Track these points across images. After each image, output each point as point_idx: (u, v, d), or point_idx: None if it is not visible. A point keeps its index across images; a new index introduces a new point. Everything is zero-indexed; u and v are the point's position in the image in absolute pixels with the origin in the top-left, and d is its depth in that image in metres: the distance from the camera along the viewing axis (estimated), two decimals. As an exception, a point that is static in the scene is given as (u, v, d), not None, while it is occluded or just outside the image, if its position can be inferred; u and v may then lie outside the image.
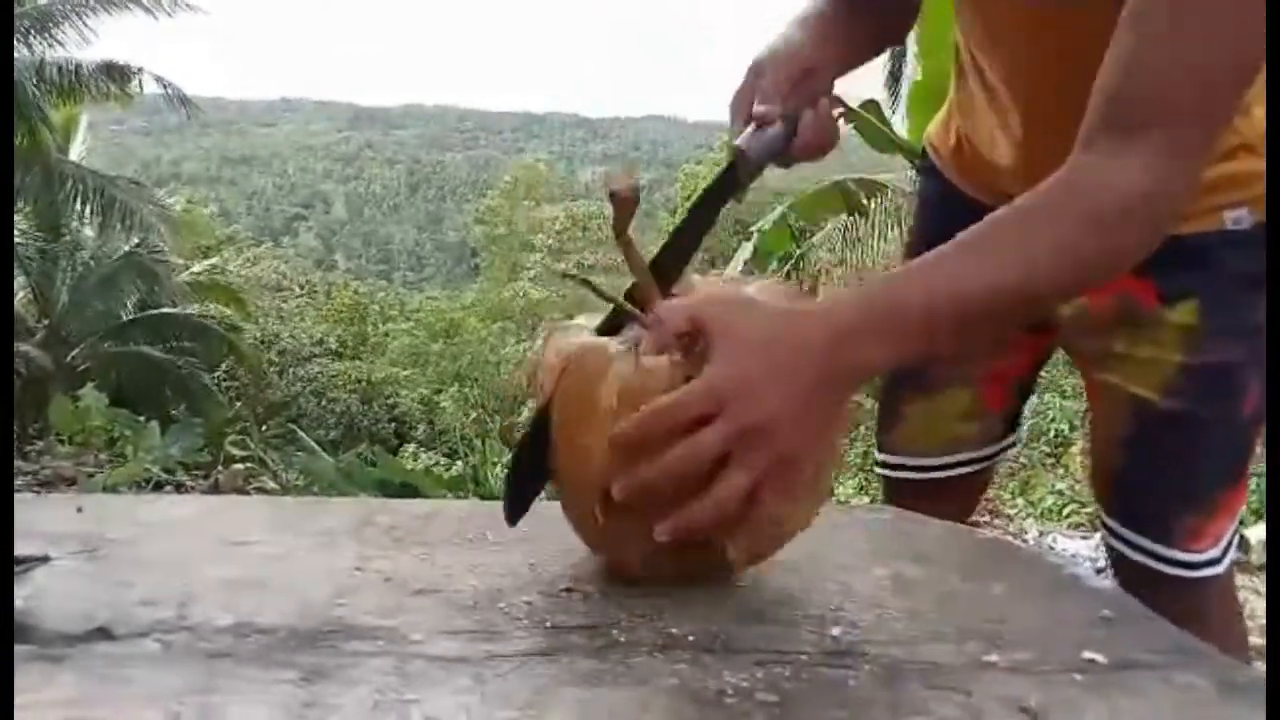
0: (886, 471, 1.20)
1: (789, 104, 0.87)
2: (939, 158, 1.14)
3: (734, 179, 0.85)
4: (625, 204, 0.68)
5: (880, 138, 7.52)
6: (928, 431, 1.15)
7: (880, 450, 1.21)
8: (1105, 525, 1.05)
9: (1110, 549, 1.05)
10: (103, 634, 0.56)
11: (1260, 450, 0.98)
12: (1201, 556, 0.99)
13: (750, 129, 0.86)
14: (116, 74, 12.07)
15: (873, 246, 9.81)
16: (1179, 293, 0.95)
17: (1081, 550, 3.92)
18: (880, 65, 11.37)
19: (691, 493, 0.62)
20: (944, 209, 1.11)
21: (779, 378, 0.63)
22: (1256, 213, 0.93)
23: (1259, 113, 0.91)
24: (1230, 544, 1.01)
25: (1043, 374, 1.23)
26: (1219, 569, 1.00)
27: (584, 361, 0.66)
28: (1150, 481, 1.00)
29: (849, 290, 0.70)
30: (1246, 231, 0.93)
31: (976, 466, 1.17)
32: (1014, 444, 1.21)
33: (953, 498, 1.15)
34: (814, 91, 0.89)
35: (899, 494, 1.18)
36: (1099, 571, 0.99)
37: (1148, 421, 0.99)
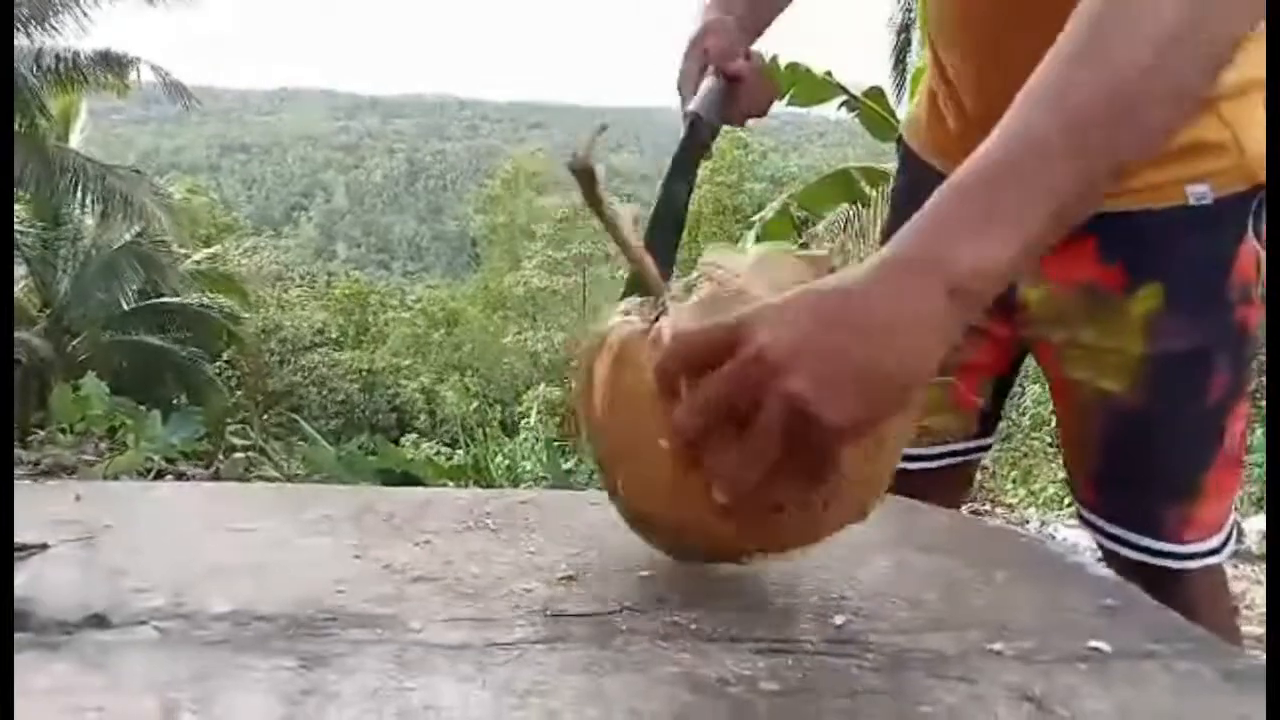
0: None
1: (729, 70, 0.96)
2: (915, 141, 1.13)
3: (696, 142, 0.93)
4: (585, 174, 0.64)
5: (884, 125, 7.50)
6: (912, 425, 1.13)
7: None
8: (1090, 524, 1.03)
9: (1101, 548, 1.03)
10: (99, 621, 0.56)
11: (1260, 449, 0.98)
12: (1196, 548, 0.97)
13: (696, 95, 0.94)
14: (114, 63, 12.06)
15: (875, 235, 9.80)
16: (1144, 275, 0.94)
17: (1083, 540, 3.92)
18: (885, 52, 11.35)
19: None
20: (919, 190, 1.09)
21: (807, 308, 0.54)
22: (1217, 189, 0.91)
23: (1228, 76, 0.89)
24: (1230, 535, 0.99)
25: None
26: (1218, 559, 0.98)
27: (625, 351, 0.62)
28: (1132, 476, 0.99)
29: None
30: (1208, 208, 0.91)
31: (952, 461, 1.14)
32: (989, 445, 1.19)
33: (930, 495, 1.13)
34: (739, 54, 0.97)
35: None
36: (1101, 560, 0.99)
37: (1120, 416, 0.97)
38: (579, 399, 0.66)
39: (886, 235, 1.16)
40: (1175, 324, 0.93)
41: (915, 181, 1.11)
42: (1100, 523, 1.01)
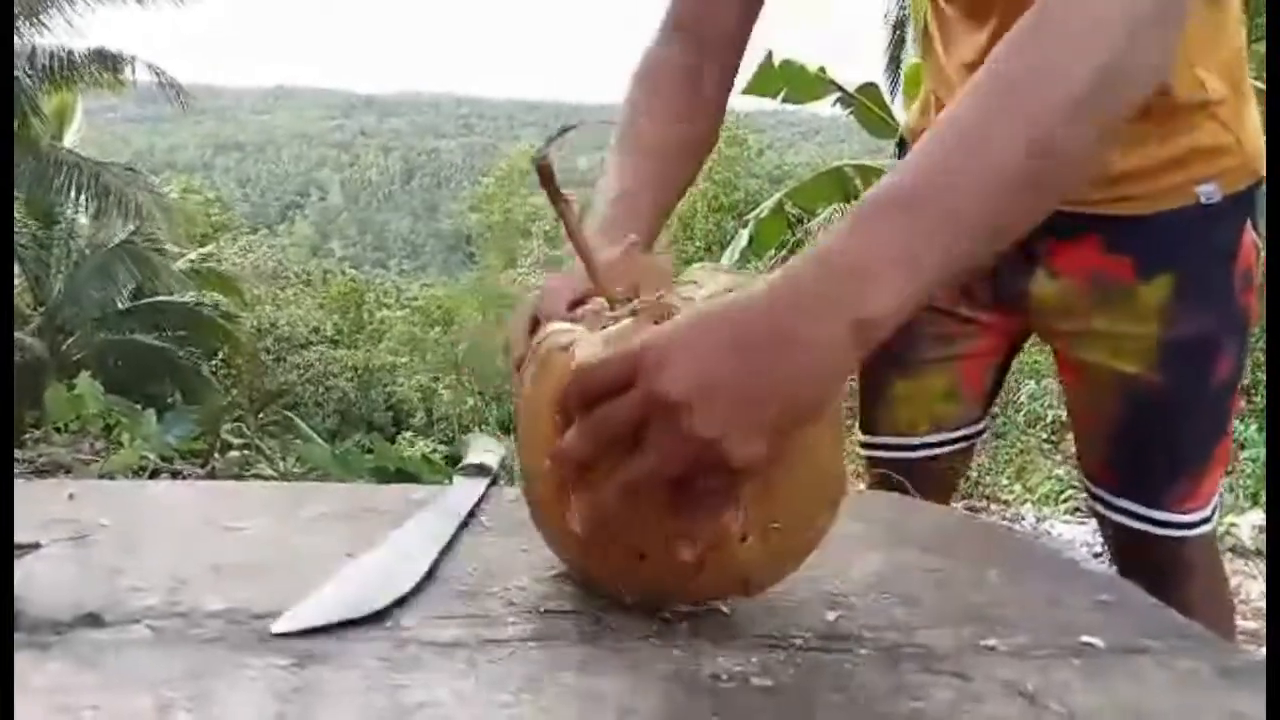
0: (868, 452, 1.22)
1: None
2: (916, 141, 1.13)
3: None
4: (544, 171, 0.64)
5: (878, 122, 7.50)
6: (912, 412, 1.17)
7: (862, 431, 1.22)
8: (1094, 495, 1.09)
9: (1101, 518, 1.09)
10: (93, 620, 0.56)
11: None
12: (1192, 517, 1.04)
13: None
14: (109, 61, 12.02)
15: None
16: (1155, 268, 0.99)
17: (1078, 535, 3.93)
18: (880, 49, 11.36)
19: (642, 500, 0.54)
20: None
21: (710, 337, 0.52)
22: (1225, 187, 0.97)
23: (1214, 84, 0.94)
24: (1218, 502, 1.07)
25: (1039, 360, 1.26)
26: (1209, 527, 1.06)
27: (548, 362, 0.61)
28: (1142, 452, 1.05)
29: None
30: (1218, 205, 0.97)
31: (954, 448, 1.19)
32: (986, 429, 1.24)
33: (932, 479, 1.16)
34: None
35: (879, 475, 1.19)
36: (1096, 556, 1.00)
37: (1135, 395, 1.02)
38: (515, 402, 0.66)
39: None
40: (1186, 311, 0.99)
41: None
42: (1109, 496, 1.07)
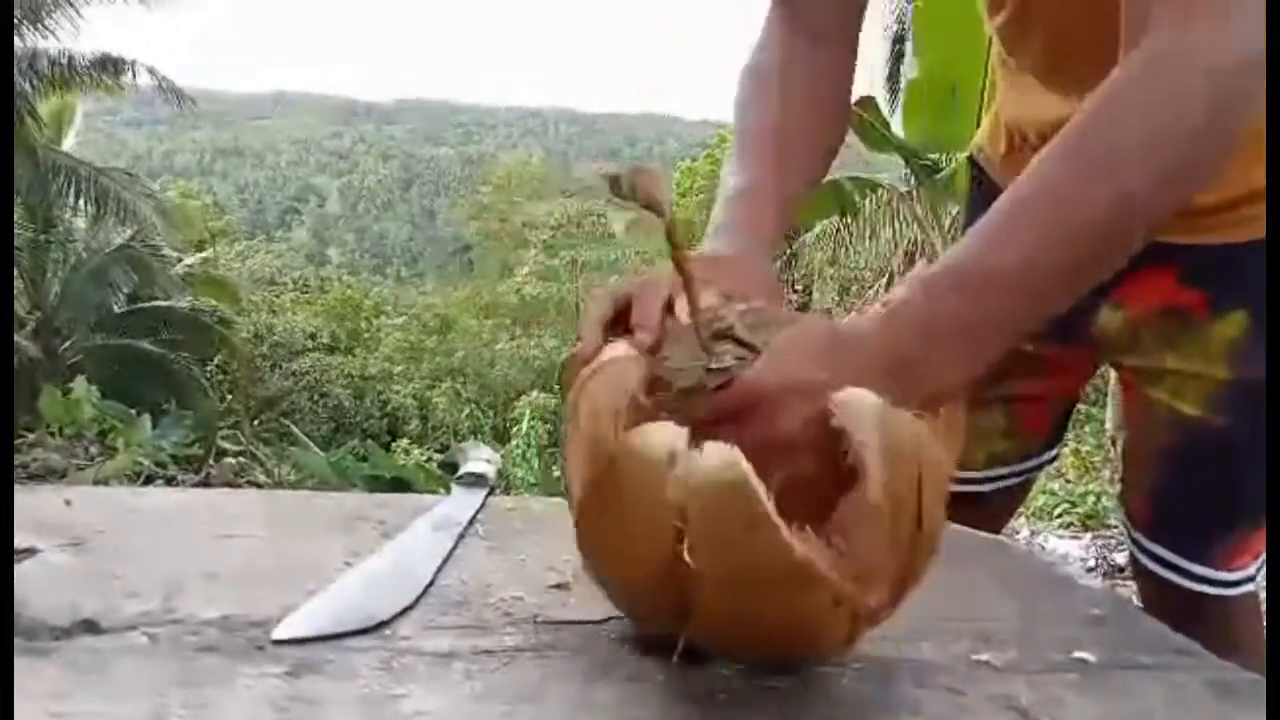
0: None
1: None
2: (990, 164, 1.11)
3: None
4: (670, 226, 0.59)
5: (876, 137, 7.53)
6: (969, 447, 1.10)
7: None
8: (1135, 541, 1.01)
9: (1138, 565, 1.02)
10: (89, 627, 0.56)
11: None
12: (1237, 575, 0.96)
13: None
14: (110, 65, 12.03)
15: (865, 246, 9.83)
16: (1229, 303, 0.92)
17: (1073, 550, 3.93)
18: (879, 63, 11.39)
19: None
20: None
21: (817, 368, 0.56)
22: None
23: None
24: (1262, 560, 0.98)
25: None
26: (1250, 587, 0.97)
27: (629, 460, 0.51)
28: (1194, 500, 0.97)
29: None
30: None
31: (1016, 480, 1.14)
32: (1054, 457, 1.18)
33: (991, 509, 1.11)
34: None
35: None
36: (1090, 571, 0.99)
37: (1195, 439, 0.95)
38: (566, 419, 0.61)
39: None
40: (1258, 352, 0.90)
41: (989, 200, 1.09)
42: (1141, 538, 1.00)
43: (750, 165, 0.84)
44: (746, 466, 0.47)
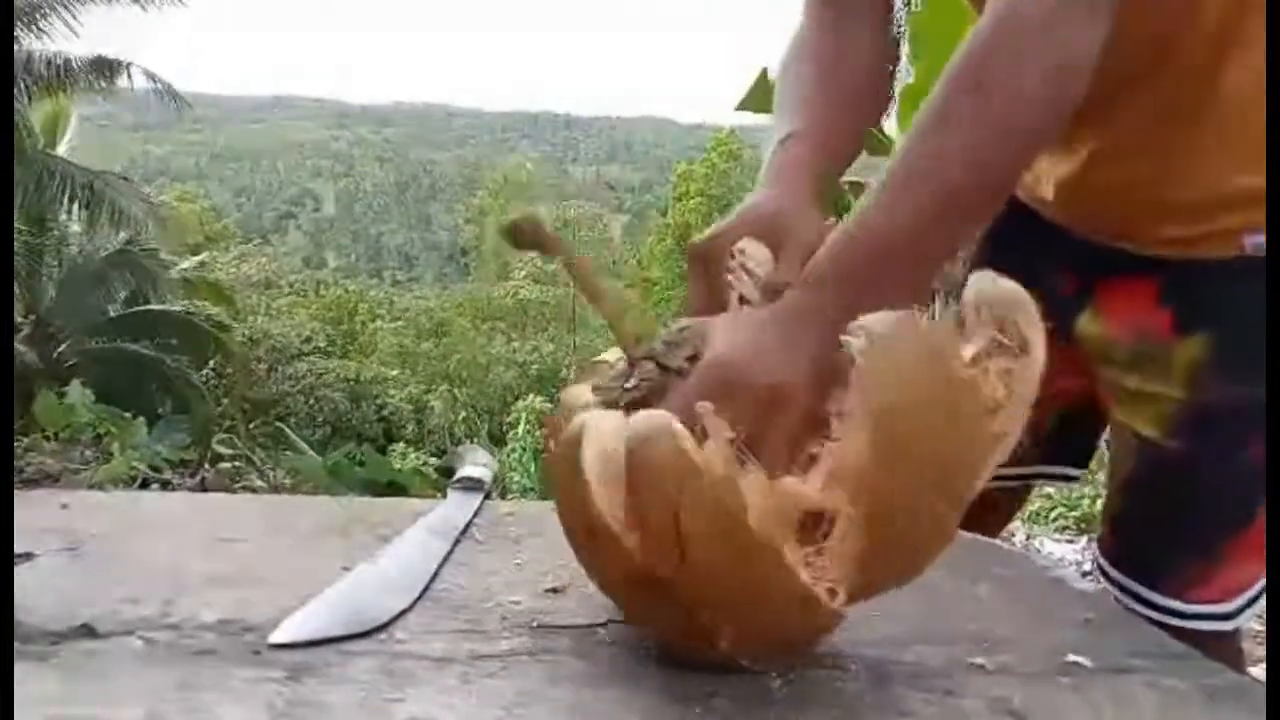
0: None
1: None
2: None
3: None
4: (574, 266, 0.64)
5: (870, 139, 7.53)
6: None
7: None
8: (1098, 565, 0.98)
9: (1108, 590, 0.97)
10: (86, 631, 0.56)
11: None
12: (1200, 609, 0.90)
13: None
14: (106, 68, 12.02)
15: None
16: (1193, 324, 0.89)
17: (1067, 554, 3.94)
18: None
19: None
20: (1016, 231, 1.00)
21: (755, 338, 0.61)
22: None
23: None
24: (1249, 602, 0.91)
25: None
26: (1224, 625, 0.90)
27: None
28: (1146, 524, 0.94)
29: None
30: (1263, 258, 0.85)
31: (1005, 484, 1.07)
32: (1064, 476, 1.12)
33: (983, 513, 1.09)
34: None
35: None
36: (1085, 575, 0.99)
37: (1150, 462, 0.92)
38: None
39: (974, 266, 1.07)
40: (1218, 377, 0.88)
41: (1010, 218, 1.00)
42: (1107, 567, 0.97)
43: (792, 118, 0.86)
44: (670, 417, 0.52)
